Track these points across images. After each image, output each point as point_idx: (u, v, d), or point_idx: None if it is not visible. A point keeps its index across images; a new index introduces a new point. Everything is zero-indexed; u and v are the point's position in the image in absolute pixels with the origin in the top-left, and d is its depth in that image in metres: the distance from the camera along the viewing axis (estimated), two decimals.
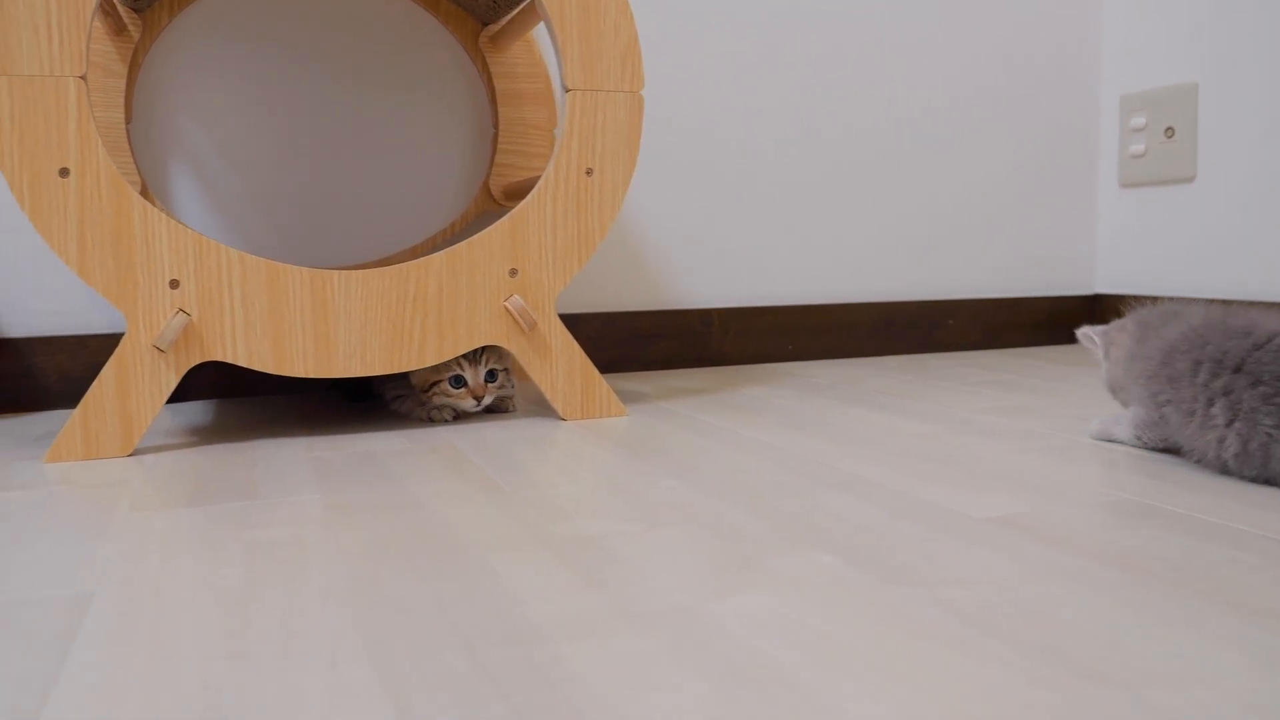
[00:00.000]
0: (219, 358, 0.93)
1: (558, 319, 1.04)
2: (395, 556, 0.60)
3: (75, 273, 0.90)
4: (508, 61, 1.34)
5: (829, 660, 0.44)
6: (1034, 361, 1.50)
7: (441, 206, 1.37)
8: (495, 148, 1.34)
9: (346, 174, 1.32)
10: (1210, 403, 0.74)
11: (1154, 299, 1.68)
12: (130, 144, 1.19)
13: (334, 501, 0.74)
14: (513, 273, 1.01)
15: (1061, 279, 1.74)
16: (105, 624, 0.50)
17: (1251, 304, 1.26)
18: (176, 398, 1.25)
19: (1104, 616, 0.49)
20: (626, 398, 1.20)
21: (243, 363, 0.94)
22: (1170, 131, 1.60)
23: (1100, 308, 1.75)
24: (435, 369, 1.04)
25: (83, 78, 0.88)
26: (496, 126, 1.34)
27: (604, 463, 0.85)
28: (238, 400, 1.26)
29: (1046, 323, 1.73)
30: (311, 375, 0.96)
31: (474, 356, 1.04)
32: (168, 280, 0.92)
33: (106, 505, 0.74)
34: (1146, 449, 0.86)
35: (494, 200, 1.35)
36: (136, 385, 0.92)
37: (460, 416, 1.08)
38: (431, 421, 1.06)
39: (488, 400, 1.05)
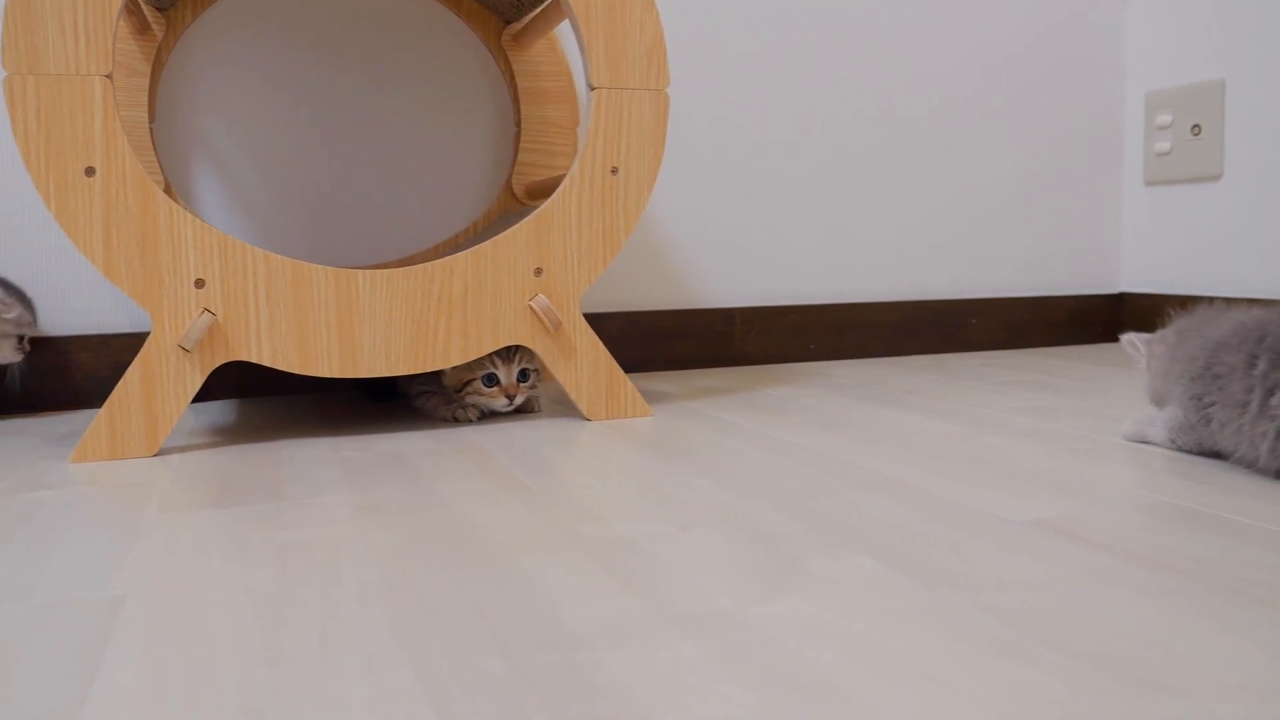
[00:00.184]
0: (244, 357, 0.93)
1: (583, 319, 1.03)
2: (428, 558, 0.60)
3: (101, 272, 0.89)
4: (530, 60, 1.33)
5: (878, 668, 0.43)
6: (1060, 361, 1.49)
7: (464, 205, 1.37)
8: (518, 146, 1.33)
9: (369, 173, 1.32)
10: (1270, 393, 0.73)
11: (1179, 298, 1.67)
12: (154, 143, 1.19)
13: (363, 502, 0.74)
14: (538, 272, 1.01)
15: (1086, 278, 1.73)
16: (139, 627, 0.50)
17: None
18: (200, 397, 1.25)
19: (1152, 622, 0.48)
20: (650, 397, 1.19)
21: (268, 363, 0.93)
22: (1196, 129, 1.58)
23: (1124, 307, 1.73)
24: (469, 367, 1.03)
25: (109, 76, 0.87)
26: (519, 125, 1.33)
27: (632, 463, 0.84)
28: (260, 400, 1.26)
29: (1070, 322, 1.71)
30: (336, 375, 0.95)
31: (507, 355, 1.04)
32: (193, 280, 0.91)
33: (134, 506, 0.74)
34: (1181, 452, 0.85)
35: (516, 199, 1.34)
36: (161, 385, 0.92)
37: (485, 416, 1.08)
38: (456, 421, 1.06)
39: (519, 400, 1.05)
